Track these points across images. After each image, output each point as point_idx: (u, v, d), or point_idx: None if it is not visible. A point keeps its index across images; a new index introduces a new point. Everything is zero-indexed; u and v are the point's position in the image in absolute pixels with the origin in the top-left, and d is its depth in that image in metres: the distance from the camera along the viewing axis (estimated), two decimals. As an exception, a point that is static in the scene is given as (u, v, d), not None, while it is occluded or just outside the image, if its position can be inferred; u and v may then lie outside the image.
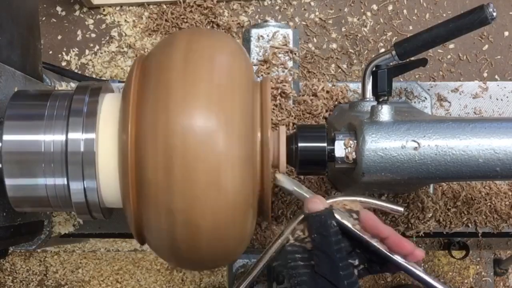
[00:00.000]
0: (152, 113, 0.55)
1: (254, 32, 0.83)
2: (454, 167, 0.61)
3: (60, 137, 0.61)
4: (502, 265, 1.58)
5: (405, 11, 1.62)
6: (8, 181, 0.61)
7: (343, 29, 1.61)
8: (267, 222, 0.79)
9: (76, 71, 1.56)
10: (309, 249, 0.58)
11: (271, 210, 0.63)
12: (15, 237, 0.73)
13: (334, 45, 1.60)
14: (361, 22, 1.61)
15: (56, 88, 0.88)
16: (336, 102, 0.84)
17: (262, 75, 0.82)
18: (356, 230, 0.58)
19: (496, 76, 1.61)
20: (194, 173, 0.53)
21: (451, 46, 1.61)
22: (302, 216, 0.59)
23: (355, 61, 1.60)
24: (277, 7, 1.62)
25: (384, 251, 0.58)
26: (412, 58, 0.76)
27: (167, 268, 1.63)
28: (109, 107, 0.63)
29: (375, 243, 0.58)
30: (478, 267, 1.61)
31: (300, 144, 0.64)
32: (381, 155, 0.61)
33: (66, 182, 0.61)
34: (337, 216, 0.58)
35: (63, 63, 1.59)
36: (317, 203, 0.57)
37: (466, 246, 1.12)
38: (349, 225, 0.58)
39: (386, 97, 0.71)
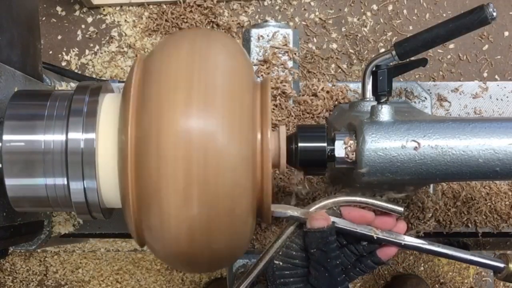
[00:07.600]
0: (151, 113, 0.55)
1: (254, 32, 0.83)
2: (454, 167, 0.61)
3: (60, 137, 0.61)
4: (502, 265, 1.58)
5: (405, 11, 1.62)
6: (8, 181, 0.61)
7: (343, 29, 1.61)
8: (267, 223, 0.79)
9: (76, 71, 1.56)
10: (298, 265, 0.59)
11: (271, 210, 0.63)
12: (15, 237, 0.73)
13: (334, 45, 1.60)
14: (361, 22, 1.61)
15: (56, 88, 0.88)
16: (336, 102, 0.84)
17: (262, 75, 0.82)
18: (351, 228, 0.60)
19: (496, 76, 1.61)
20: (193, 174, 0.53)
21: (451, 46, 1.61)
22: (293, 227, 0.60)
23: (355, 61, 1.60)
24: (277, 7, 1.62)
25: (374, 233, 0.61)
26: (412, 58, 0.76)
27: (167, 268, 1.63)
28: (109, 107, 0.63)
29: (365, 230, 0.61)
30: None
31: (300, 144, 0.64)
32: (381, 155, 0.61)
33: (66, 182, 0.61)
34: (336, 223, 0.59)
35: (63, 63, 1.59)
36: (320, 221, 0.59)
37: (466, 246, 1.12)
38: (347, 227, 0.60)
39: (386, 97, 0.71)
